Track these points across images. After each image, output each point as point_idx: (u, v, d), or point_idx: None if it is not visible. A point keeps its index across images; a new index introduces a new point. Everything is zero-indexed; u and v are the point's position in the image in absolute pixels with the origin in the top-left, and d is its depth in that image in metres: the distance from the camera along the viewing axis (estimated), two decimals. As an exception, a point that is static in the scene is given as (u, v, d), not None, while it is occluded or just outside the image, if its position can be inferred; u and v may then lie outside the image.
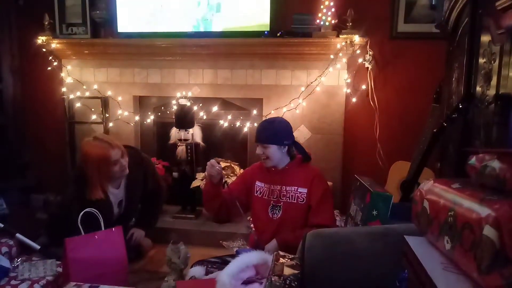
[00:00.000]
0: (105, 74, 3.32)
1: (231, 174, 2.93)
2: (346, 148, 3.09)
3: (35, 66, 3.42)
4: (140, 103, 3.40)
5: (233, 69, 3.11)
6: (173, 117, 2.98)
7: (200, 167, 3.06)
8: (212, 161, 1.92)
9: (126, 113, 3.26)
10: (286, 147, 1.96)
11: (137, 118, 3.30)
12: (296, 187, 1.94)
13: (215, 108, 3.12)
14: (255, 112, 3.11)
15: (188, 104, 2.92)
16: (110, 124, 3.26)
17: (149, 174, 2.46)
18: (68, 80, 3.30)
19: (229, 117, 3.12)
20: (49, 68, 3.28)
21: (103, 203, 2.13)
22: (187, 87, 3.16)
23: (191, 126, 2.95)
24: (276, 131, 1.94)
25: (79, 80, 3.30)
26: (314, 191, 1.92)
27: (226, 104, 3.22)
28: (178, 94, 3.11)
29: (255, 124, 3.06)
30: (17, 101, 3.53)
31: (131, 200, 2.37)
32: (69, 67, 3.32)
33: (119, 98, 3.26)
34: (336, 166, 3.05)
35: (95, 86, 3.27)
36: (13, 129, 3.51)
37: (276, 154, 1.94)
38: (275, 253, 1.34)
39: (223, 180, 2.00)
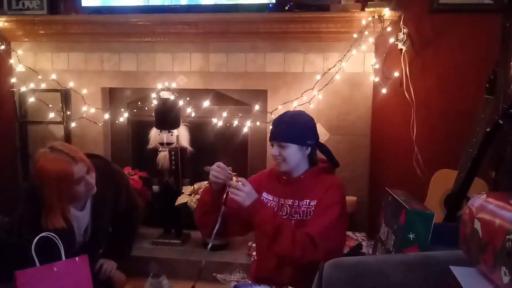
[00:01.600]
0: (65, 60, 3.33)
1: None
2: (374, 153, 3.09)
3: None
4: (111, 97, 3.42)
5: (229, 53, 3.12)
6: (153, 114, 2.98)
7: (187, 178, 3.07)
8: (220, 163, 1.90)
9: (92, 110, 3.27)
10: (309, 148, 1.96)
11: (106, 116, 3.31)
12: (308, 201, 1.93)
13: (206, 103, 3.13)
14: (257, 107, 3.12)
15: (172, 98, 2.93)
16: (73, 124, 3.27)
17: (121, 190, 2.46)
18: (19, 68, 3.32)
19: (225, 114, 3.13)
20: (-5, 54, 3.31)
21: (63, 230, 2.13)
22: (171, 76, 3.17)
23: (176, 126, 2.95)
24: (298, 127, 1.94)
25: (32, 69, 3.32)
26: (324, 198, 1.90)
27: (221, 98, 3.22)
28: (159, 86, 3.12)
29: (258, 123, 3.07)
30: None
31: (99, 224, 2.36)
32: (20, 51, 3.33)
33: (84, 91, 3.27)
34: (362, 176, 3.05)
35: (53, 76, 3.28)
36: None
37: (296, 156, 1.93)
38: (283, 288, 1.34)
39: (226, 191, 1.97)
